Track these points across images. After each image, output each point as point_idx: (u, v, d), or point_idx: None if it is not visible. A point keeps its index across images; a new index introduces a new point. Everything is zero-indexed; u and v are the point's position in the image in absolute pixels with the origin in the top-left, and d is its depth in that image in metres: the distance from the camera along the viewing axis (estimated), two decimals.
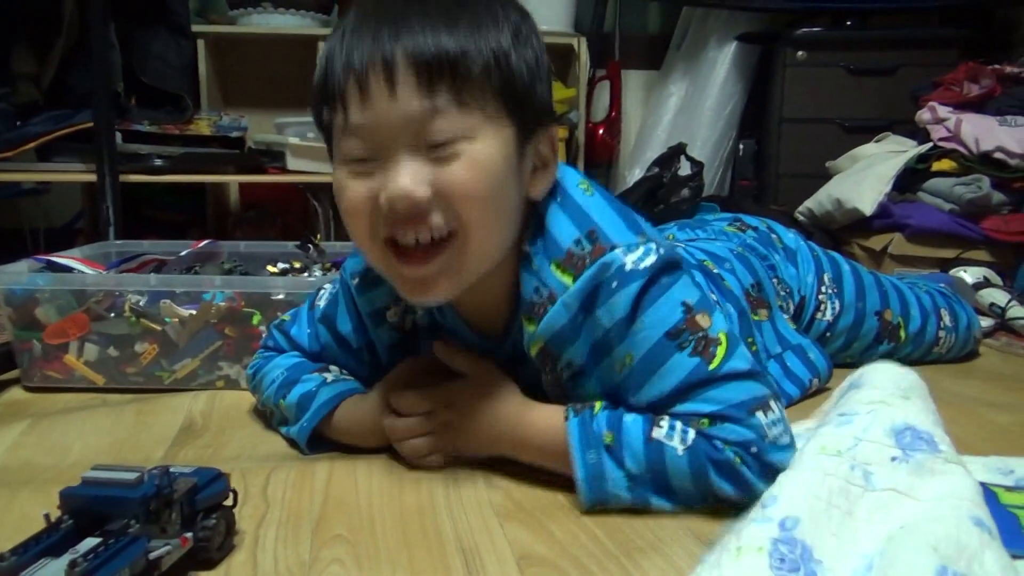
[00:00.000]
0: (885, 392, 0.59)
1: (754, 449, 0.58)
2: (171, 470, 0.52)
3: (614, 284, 0.61)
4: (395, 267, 0.62)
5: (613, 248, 0.62)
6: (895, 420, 0.55)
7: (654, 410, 0.62)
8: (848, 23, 2.13)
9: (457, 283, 0.63)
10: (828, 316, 1.01)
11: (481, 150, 0.58)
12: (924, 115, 1.73)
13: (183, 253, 1.17)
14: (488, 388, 0.69)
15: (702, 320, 0.62)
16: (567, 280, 0.63)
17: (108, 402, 0.92)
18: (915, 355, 1.07)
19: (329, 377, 0.77)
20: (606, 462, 0.60)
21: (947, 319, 1.08)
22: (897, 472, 0.51)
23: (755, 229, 1.03)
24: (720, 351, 0.61)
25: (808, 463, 0.54)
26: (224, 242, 1.24)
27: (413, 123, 0.57)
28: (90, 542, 0.47)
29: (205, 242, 1.21)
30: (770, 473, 0.56)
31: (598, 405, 0.64)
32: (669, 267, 0.63)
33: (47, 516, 0.49)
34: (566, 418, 0.63)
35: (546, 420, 0.65)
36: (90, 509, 0.49)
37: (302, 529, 0.59)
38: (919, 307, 1.06)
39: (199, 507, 0.53)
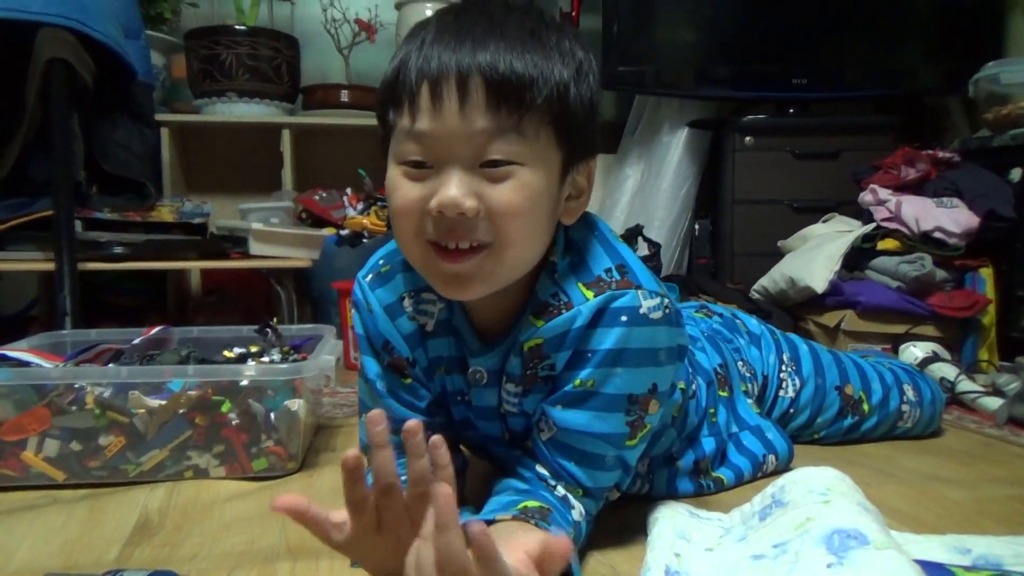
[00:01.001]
0: (807, 507, 0.62)
1: (595, 513, 0.73)
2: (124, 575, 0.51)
3: (623, 318, 0.66)
4: (434, 262, 0.65)
5: (639, 287, 0.68)
6: (822, 529, 0.58)
7: (561, 430, 0.69)
8: (791, 111, 2.25)
9: (489, 284, 0.66)
10: (790, 393, 1.04)
11: (529, 176, 0.63)
12: (866, 197, 1.82)
13: (136, 340, 1.15)
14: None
15: (652, 407, 0.70)
16: (589, 296, 0.68)
17: (59, 499, 0.88)
18: (881, 430, 1.10)
19: None
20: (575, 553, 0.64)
21: (910, 393, 1.12)
22: None
23: (720, 315, 1.09)
24: (639, 435, 0.71)
25: None
26: (176, 328, 1.22)
27: (474, 140, 0.61)
28: None
29: (157, 328, 1.19)
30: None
31: (547, 510, 0.65)
32: (680, 353, 0.72)
33: None
34: (547, 531, 0.61)
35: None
36: None
37: None
38: (880, 381, 1.09)
39: None
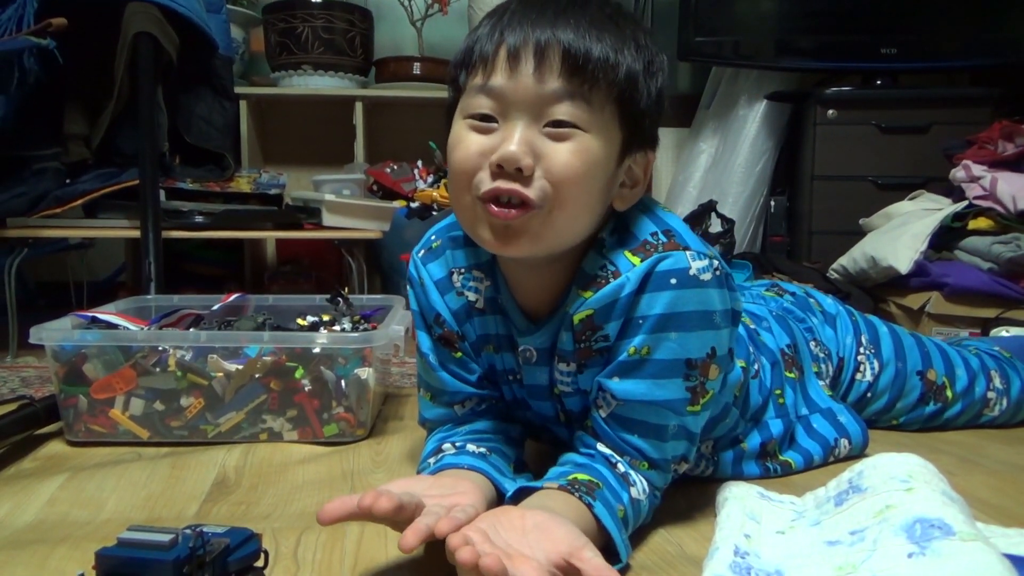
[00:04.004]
0: (888, 494, 0.59)
1: (663, 486, 0.72)
2: (204, 531, 0.53)
3: (672, 280, 0.66)
4: (484, 216, 0.65)
5: (686, 248, 0.67)
6: (903, 517, 0.55)
7: (620, 402, 0.68)
8: (878, 82, 2.14)
9: (535, 244, 0.66)
10: (868, 376, 1.00)
11: (590, 142, 0.64)
12: (958, 173, 1.72)
13: (215, 307, 1.20)
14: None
15: (712, 371, 0.69)
16: (636, 261, 0.67)
17: (143, 456, 0.93)
18: (965, 417, 1.05)
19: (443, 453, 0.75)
20: (623, 531, 0.65)
21: (997, 380, 1.06)
22: (916, 568, 0.50)
23: (792, 294, 1.06)
24: (702, 401, 0.69)
25: None
26: (252, 296, 1.26)
27: (543, 99, 0.63)
28: None
29: (235, 296, 1.23)
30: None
31: (596, 484, 0.65)
32: (735, 317, 0.70)
33: None
34: (590, 506, 0.63)
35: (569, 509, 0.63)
36: (124, 570, 0.50)
37: None
38: (965, 367, 1.04)
39: (231, 569, 0.53)
